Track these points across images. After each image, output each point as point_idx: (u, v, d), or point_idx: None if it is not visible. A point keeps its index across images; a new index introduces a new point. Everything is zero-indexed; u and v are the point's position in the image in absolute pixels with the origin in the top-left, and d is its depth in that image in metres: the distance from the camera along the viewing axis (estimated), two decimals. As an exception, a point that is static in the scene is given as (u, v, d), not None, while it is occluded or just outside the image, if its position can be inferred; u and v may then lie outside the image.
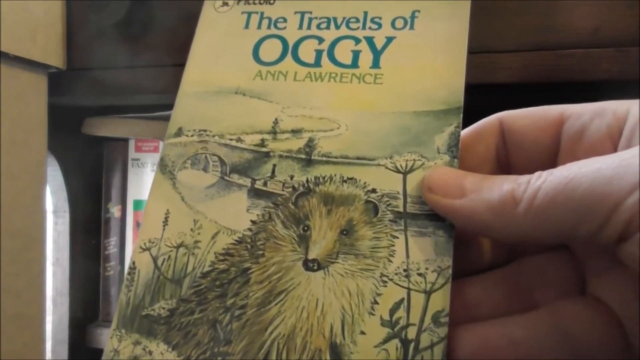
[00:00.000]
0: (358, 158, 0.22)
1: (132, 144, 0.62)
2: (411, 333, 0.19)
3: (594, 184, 0.17)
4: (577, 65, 0.36)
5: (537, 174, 0.18)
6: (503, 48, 0.37)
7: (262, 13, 0.26)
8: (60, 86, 0.48)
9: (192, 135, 0.24)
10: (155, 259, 0.22)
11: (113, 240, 0.63)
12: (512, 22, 0.37)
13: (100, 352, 0.66)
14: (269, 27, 0.26)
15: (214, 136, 0.24)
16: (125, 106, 0.54)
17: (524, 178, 0.18)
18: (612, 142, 0.20)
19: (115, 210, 0.63)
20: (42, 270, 0.48)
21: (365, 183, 0.22)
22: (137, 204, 0.63)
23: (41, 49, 0.45)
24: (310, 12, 0.26)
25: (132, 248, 0.64)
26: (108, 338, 0.21)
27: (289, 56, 0.25)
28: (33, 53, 0.44)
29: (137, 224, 0.63)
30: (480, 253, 0.23)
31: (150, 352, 0.20)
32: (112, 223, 0.63)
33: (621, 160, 0.17)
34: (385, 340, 0.19)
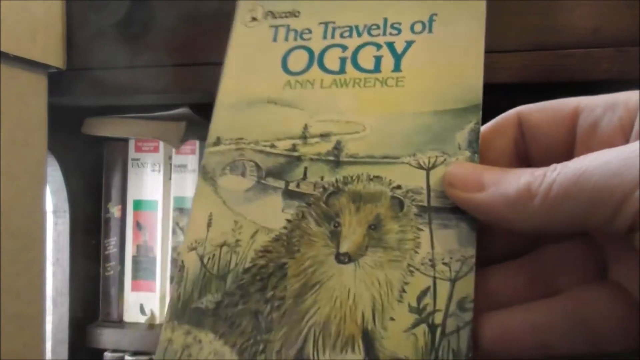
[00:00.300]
0: (383, 157, 0.23)
1: (132, 144, 0.62)
2: (438, 318, 0.21)
3: (603, 176, 0.17)
4: (577, 65, 0.37)
5: (552, 166, 0.19)
6: (503, 48, 0.37)
7: (288, 26, 0.28)
8: (60, 86, 0.48)
9: (229, 144, 0.26)
10: (201, 258, 0.24)
11: (113, 240, 0.63)
12: (512, 22, 0.37)
13: (100, 352, 0.66)
14: (295, 39, 0.27)
15: (249, 143, 0.25)
16: (125, 106, 0.54)
17: (540, 171, 0.19)
18: (624, 134, 0.20)
19: (115, 210, 0.63)
20: (42, 270, 0.48)
21: (390, 180, 0.23)
22: (137, 204, 0.63)
23: (41, 49, 0.45)
24: (334, 22, 0.27)
25: (131, 248, 0.64)
26: (162, 330, 0.23)
27: (315, 65, 0.26)
28: (33, 53, 0.44)
29: (137, 224, 0.63)
30: (503, 242, 0.23)
31: (200, 341, 0.22)
32: (112, 223, 0.63)
33: (629, 152, 0.17)
34: (414, 326, 0.21)
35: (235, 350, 0.22)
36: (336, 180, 0.24)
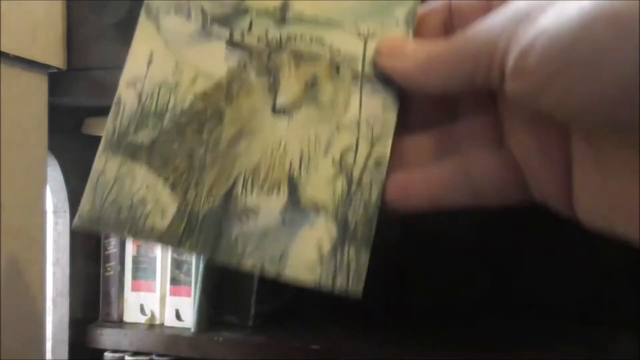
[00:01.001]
0: (327, 20, 0.25)
1: (132, 144, 0.62)
2: (356, 172, 0.23)
3: (481, 33, 0.20)
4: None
5: (456, 34, 0.22)
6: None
7: None
8: (60, 86, 0.48)
9: None
10: (139, 95, 0.25)
11: (113, 240, 0.63)
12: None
13: (100, 352, 0.66)
14: None
15: None
16: (125, 106, 0.54)
17: (449, 39, 0.22)
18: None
19: (115, 210, 0.63)
20: (42, 270, 0.48)
21: (331, 44, 0.24)
22: (137, 204, 0.63)
23: (41, 49, 0.45)
24: None
25: (131, 248, 0.64)
26: (95, 159, 0.24)
27: None
28: (33, 53, 0.44)
29: (137, 224, 0.63)
30: (422, 114, 0.26)
31: (133, 172, 0.23)
32: (112, 223, 0.63)
33: (499, 10, 0.20)
34: (335, 177, 0.23)
35: (168, 185, 0.23)
36: (280, 37, 0.24)
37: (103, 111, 0.60)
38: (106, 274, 0.63)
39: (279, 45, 0.25)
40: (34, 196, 0.46)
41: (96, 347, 0.60)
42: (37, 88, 0.46)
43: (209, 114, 0.24)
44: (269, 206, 0.23)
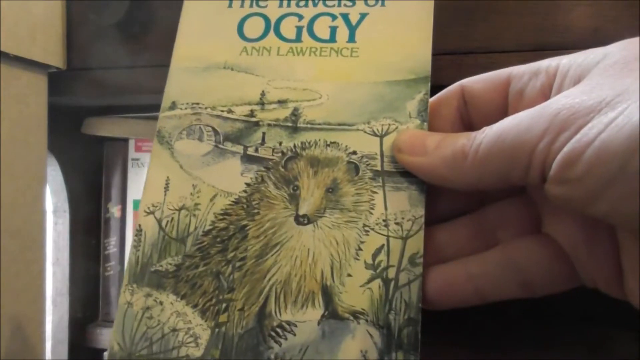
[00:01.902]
0: (339, 124, 0.25)
1: (132, 144, 0.62)
2: (391, 273, 0.23)
3: (517, 134, 0.19)
4: (577, 65, 0.36)
5: (482, 129, 0.21)
6: (503, 48, 0.37)
7: None
8: (60, 86, 0.48)
9: (185, 108, 0.26)
10: (159, 221, 0.24)
11: (113, 240, 0.63)
12: (512, 22, 0.37)
13: (100, 352, 0.66)
14: (251, 6, 0.28)
15: (206, 108, 0.25)
16: (125, 106, 0.54)
17: (473, 134, 0.21)
18: (544, 98, 0.22)
19: (115, 210, 0.63)
20: (42, 270, 0.48)
21: (346, 146, 0.24)
22: (137, 204, 0.63)
23: (41, 49, 0.45)
24: None
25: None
26: (121, 293, 0.23)
27: (271, 32, 0.27)
28: (33, 53, 0.44)
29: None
30: (450, 203, 0.25)
31: (161, 302, 0.23)
32: (112, 223, 0.63)
33: (537, 110, 0.19)
34: (370, 281, 0.22)
35: (198, 310, 0.23)
36: (294, 146, 0.24)
37: (103, 111, 0.60)
38: (106, 274, 0.63)
39: (295, 153, 0.24)
40: (34, 196, 0.46)
41: (96, 347, 0.60)
42: (36, 88, 0.46)
43: (231, 232, 0.24)
44: (306, 320, 0.22)
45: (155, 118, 0.26)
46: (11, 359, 0.43)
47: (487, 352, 0.55)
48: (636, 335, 0.57)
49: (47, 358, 0.58)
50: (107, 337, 0.60)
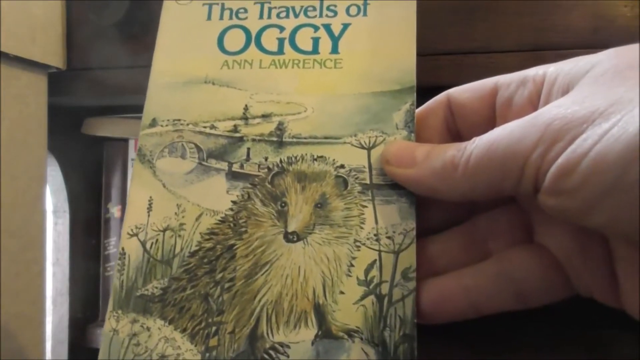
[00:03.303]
0: (325, 137, 0.24)
1: (132, 144, 0.62)
2: (384, 289, 0.22)
3: (508, 144, 0.19)
4: (577, 65, 0.36)
5: (472, 140, 0.20)
6: (502, 48, 0.37)
7: (223, 4, 0.27)
8: (60, 86, 0.48)
9: (166, 125, 0.25)
10: (143, 243, 0.23)
11: (113, 240, 0.63)
12: (512, 22, 0.37)
13: (100, 352, 0.65)
14: (230, 18, 0.27)
15: (188, 124, 0.25)
16: (125, 106, 0.54)
17: (463, 145, 0.21)
18: (532, 107, 0.21)
19: (115, 210, 0.63)
20: (42, 270, 0.48)
21: (334, 160, 0.24)
22: (137, 204, 0.63)
23: (41, 49, 0.45)
24: (269, 2, 0.27)
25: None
26: (106, 320, 0.22)
27: (252, 45, 0.26)
28: (33, 53, 0.44)
29: (137, 224, 0.63)
30: (440, 214, 0.25)
31: (148, 328, 0.22)
32: (112, 223, 0.63)
33: (528, 120, 0.19)
34: (363, 297, 0.22)
35: (187, 335, 0.22)
36: (280, 161, 0.24)
37: (103, 111, 0.60)
38: (106, 274, 0.63)
39: (281, 169, 0.24)
40: (34, 196, 0.46)
41: (96, 347, 0.60)
42: (36, 88, 0.46)
43: (219, 252, 0.23)
44: (299, 340, 0.21)
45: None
46: (11, 359, 0.43)
47: (487, 352, 0.54)
48: (636, 337, 0.57)
49: (47, 358, 0.58)
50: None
